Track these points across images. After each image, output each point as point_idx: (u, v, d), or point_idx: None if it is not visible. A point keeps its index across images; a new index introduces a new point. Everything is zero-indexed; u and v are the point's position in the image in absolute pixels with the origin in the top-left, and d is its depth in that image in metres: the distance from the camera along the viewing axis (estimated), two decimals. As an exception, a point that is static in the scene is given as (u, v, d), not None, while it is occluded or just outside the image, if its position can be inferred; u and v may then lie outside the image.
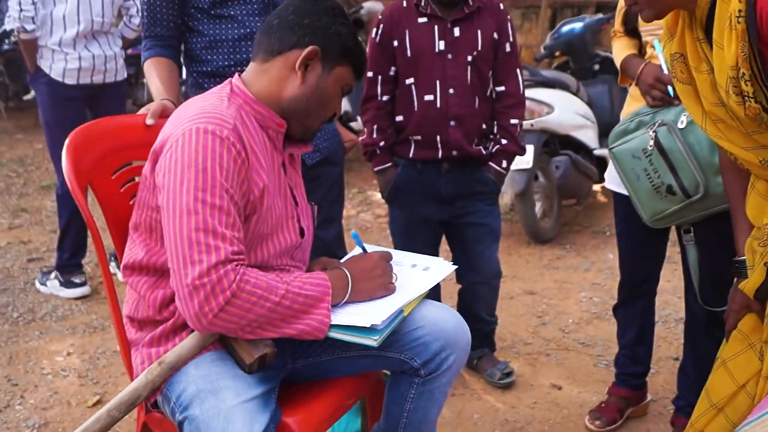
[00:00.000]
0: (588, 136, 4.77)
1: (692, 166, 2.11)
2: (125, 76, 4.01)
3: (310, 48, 1.64)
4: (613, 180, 2.44)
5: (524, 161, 4.23)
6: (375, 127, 2.72)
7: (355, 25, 9.47)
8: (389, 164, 2.77)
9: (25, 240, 4.76)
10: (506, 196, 4.34)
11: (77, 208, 3.68)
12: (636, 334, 2.59)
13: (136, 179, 1.88)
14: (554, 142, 4.67)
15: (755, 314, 1.71)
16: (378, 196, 5.56)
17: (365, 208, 5.55)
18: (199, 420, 1.48)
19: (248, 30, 2.23)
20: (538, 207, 4.64)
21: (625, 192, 2.33)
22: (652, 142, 2.16)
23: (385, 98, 2.70)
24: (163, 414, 1.65)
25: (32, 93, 7.45)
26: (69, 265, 3.84)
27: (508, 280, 4.00)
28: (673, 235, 2.44)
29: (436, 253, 2.83)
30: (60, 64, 3.68)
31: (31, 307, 3.70)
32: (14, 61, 8.61)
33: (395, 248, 2.65)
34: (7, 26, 3.60)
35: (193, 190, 1.48)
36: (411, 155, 2.72)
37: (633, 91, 2.37)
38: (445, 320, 1.76)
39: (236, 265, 1.48)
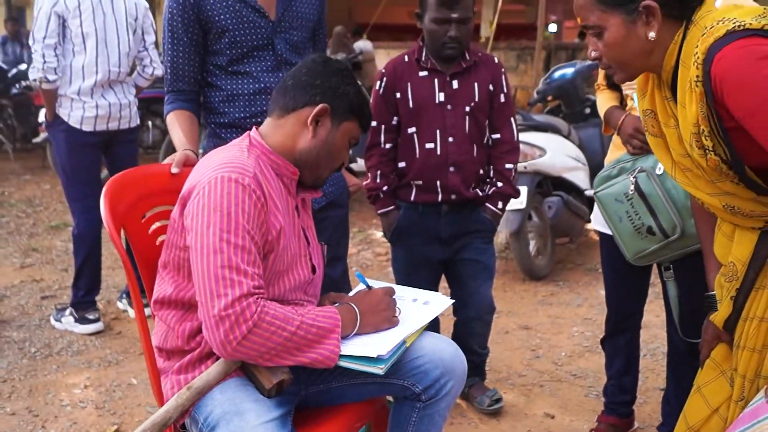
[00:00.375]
0: (579, 177, 4.92)
1: (670, 209, 2.28)
2: (138, 122, 4.14)
3: (320, 106, 1.83)
4: (598, 221, 2.62)
5: (518, 202, 4.37)
6: (378, 172, 2.88)
7: (354, 68, 9.82)
8: (392, 207, 2.92)
9: (37, 278, 4.89)
10: (501, 235, 4.45)
11: (92, 248, 3.93)
12: (623, 365, 2.74)
13: (152, 227, 2.06)
14: (547, 184, 4.83)
15: (726, 344, 1.85)
16: (378, 235, 5.72)
17: (366, 247, 5.71)
18: (226, 439, 1.65)
19: (262, 85, 2.40)
20: (533, 245, 4.78)
21: (609, 232, 2.49)
22: (632, 187, 2.33)
23: (388, 146, 2.87)
24: (190, 436, 1.81)
25: (41, 136, 7.64)
26: (84, 302, 3.95)
27: (504, 316, 4.15)
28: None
29: (435, 290, 2.97)
30: (78, 112, 3.81)
31: (47, 342, 3.83)
32: (23, 104, 8.86)
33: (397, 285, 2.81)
34: (31, 76, 3.76)
35: (218, 232, 1.65)
36: (412, 198, 2.88)
37: (615, 139, 2.54)
38: (444, 350, 1.92)
39: (257, 299, 1.65)
